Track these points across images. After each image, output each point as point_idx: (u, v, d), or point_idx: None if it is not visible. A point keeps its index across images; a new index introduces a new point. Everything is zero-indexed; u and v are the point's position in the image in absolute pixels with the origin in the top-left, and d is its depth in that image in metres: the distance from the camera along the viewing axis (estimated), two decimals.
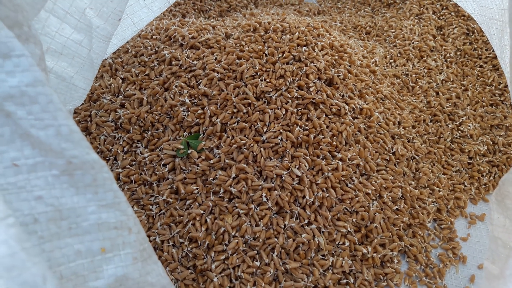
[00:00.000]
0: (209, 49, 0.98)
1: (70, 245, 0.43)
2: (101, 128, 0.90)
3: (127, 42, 1.02)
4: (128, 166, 0.87)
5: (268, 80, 0.91)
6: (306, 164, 0.85)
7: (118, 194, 0.46)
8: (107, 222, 0.46)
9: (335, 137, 0.90)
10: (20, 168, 0.40)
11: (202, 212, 0.81)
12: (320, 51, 0.98)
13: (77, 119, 0.92)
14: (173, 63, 0.95)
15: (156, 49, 0.99)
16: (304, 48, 0.96)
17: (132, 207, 0.84)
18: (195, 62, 0.94)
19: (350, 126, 0.92)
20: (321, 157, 0.87)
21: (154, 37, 1.03)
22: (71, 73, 0.68)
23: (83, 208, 0.44)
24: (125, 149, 0.89)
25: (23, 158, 0.40)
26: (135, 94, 0.93)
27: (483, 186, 1.08)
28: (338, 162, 0.87)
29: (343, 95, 0.96)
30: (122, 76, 0.96)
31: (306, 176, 0.84)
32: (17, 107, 0.39)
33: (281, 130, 0.87)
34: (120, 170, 0.86)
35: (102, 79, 0.98)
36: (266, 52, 0.95)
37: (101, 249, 0.45)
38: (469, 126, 1.13)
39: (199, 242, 0.79)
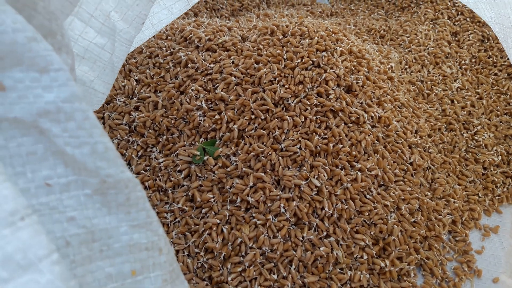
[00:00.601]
0: (226, 52, 0.95)
1: (101, 268, 0.41)
2: (115, 131, 0.88)
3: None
4: (142, 171, 0.85)
5: (287, 86, 0.89)
6: (325, 174, 0.83)
7: (150, 214, 0.44)
8: (139, 243, 0.44)
9: (354, 147, 0.88)
10: (53, 187, 0.38)
11: (218, 221, 0.79)
12: (339, 56, 0.96)
13: None
14: (189, 65, 0.93)
15: (172, 50, 0.97)
16: (323, 53, 0.94)
17: None
18: (211, 65, 0.92)
19: (369, 135, 0.90)
20: (340, 167, 0.85)
21: (169, 37, 1.00)
22: (91, 77, 0.66)
23: (115, 228, 0.42)
24: (139, 153, 0.86)
25: (56, 177, 0.38)
26: (150, 97, 0.90)
27: (497, 197, 1.06)
28: (357, 173, 0.85)
29: (361, 103, 0.94)
30: (136, 78, 0.94)
31: (325, 186, 0.82)
32: (52, 123, 0.37)
33: (299, 138, 0.85)
34: (134, 175, 0.84)
35: (116, 80, 0.95)
36: (285, 56, 0.93)
37: (132, 272, 0.43)
38: (484, 135, 1.12)
39: (215, 253, 0.77)
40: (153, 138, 0.87)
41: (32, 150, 0.37)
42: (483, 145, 1.11)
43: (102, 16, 0.60)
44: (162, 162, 0.85)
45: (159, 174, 0.84)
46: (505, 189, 1.07)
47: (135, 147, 0.87)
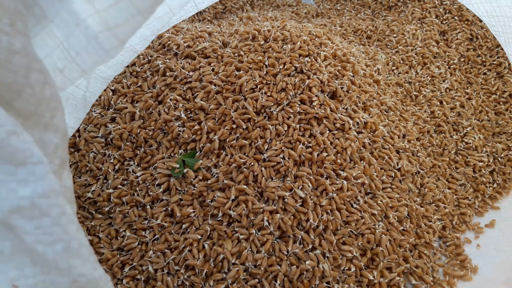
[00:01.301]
0: (206, 59, 0.92)
1: None
2: (90, 145, 0.85)
3: None
4: (119, 186, 0.81)
5: (269, 93, 0.86)
6: (310, 185, 0.80)
7: None
8: None
9: (339, 154, 0.85)
10: None
11: (199, 237, 0.76)
12: (322, 61, 0.93)
13: None
14: (168, 74, 0.89)
15: (149, 58, 0.94)
16: (307, 58, 0.91)
17: (124, 231, 0.78)
18: (190, 73, 0.89)
19: (354, 142, 0.87)
20: (325, 176, 0.83)
21: None
22: None
23: None
24: (116, 167, 0.83)
25: (23, 277, 0.36)
26: (126, 108, 0.87)
27: (488, 197, 1.04)
28: (342, 182, 0.82)
29: (347, 109, 0.91)
30: (112, 88, 0.90)
31: (310, 197, 0.79)
32: (25, 220, 0.35)
33: (283, 148, 0.82)
34: (111, 190, 0.80)
35: None
36: (267, 63, 0.90)
37: None
38: (474, 137, 1.09)
39: (197, 270, 0.74)
40: (131, 150, 0.84)
41: None
42: (473, 146, 1.08)
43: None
44: (140, 176, 0.81)
45: (137, 189, 0.81)
46: (495, 186, 1.05)
47: (111, 160, 0.83)
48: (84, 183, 0.82)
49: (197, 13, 1.32)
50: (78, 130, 0.87)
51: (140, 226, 0.78)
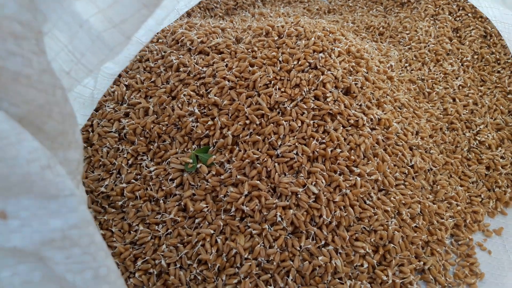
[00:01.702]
0: (219, 55, 0.92)
1: None
2: (104, 139, 0.85)
3: None
4: (133, 180, 0.82)
5: (282, 89, 0.86)
6: (323, 181, 0.80)
7: None
8: None
9: (353, 151, 0.85)
10: None
11: (212, 232, 0.76)
12: (337, 57, 0.93)
13: None
14: (181, 69, 0.90)
15: (163, 53, 0.94)
16: (321, 54, 0.91)
17: (137, 225, 0.79)
18: (204, 68, 0.89)
19: (368, 138, 0.87)
20: (338, 172, 0.82)
21: (160, 40, 0.97)
22: None
23: None
24: (130, 162, 0.84)
25: None
26: (140, 103, 0.87)
27: (504, 203, 1.03)
28: (356, 178, 0.82)
29: (360, 105, 0.91)
30: (126, 83, 0.91)
31: (323, 193, 0.79)
32: (56, 251, 0.36)
33: (296, 144, 0.82)
34: (124, 185, 0.81)
35: None
36: (280, 58, 0.90)
37: None
38: (487, 135, 1.08)
39: (209, 265, 0.75)
40: (144, 145, 0.85)
41: (27, 278, 0.35)
42: (487, 144, 1.08)
43: None
44: (153, 171, 0.82)
45: (151, 183, 0.81)
46: (510, 190, 1.04)
47: (125, 155, 0.84)
48: (97, 178, 0.83)
49: (208, 9, 1.32)
50: (91, 125, 0.87)
51: (153, 220, 0.79)
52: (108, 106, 0.88)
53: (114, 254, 0.78)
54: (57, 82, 0.38)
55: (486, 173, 1.05)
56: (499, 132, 1.11)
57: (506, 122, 1.13)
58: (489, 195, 1.03)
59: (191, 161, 0.81)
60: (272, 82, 0.87)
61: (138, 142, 0.84)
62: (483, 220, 1.00)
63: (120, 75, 0.93)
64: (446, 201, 0.96)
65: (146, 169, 0.82)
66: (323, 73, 0.89)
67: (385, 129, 0.92)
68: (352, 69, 0.94)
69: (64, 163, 0.41)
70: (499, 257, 0.94)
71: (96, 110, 0.89)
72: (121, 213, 0.81)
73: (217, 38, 0.95)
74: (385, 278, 0.78)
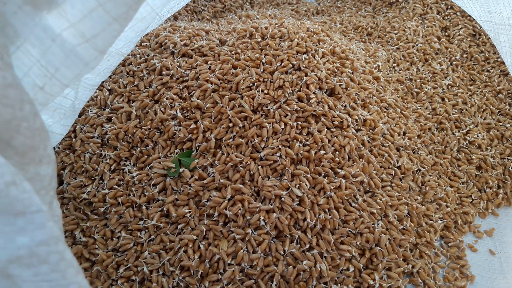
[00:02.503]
0: (203, 58, 0.91)
1: None
2: (86, 145, 0.84)
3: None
4: (115, 186, 0.81)
5: (265, 91, 0.85)
6: (307, 183, 0.79)
7: None
8: None
9: (337, 152, 0.84)
10: None
11: (195, 237, 0.75)
12: (321, 58, 0.92)
13: None
14: (164, 73, 0.89)
15: (146, 57, 0.93)
16: (304, 55, 0.90)
17: (120, 232, 0.78)
18: (187, 71, 0.88)
19: (353, 140, 0.86)
20: (322, 174, 0.81)
21: (143, 44, 0.96)
22: (50, 122, 0.63)
23: None
24: (112, 167, 0.82)
25: None
26: (123, 107, 0.86)
27: (493, 200, 1.02)
28: (341, 180, 0.81)
29: (345, 106, 0.90)
30: (109, 87, 0.90)
31: (307, 196, 0.78)
32: (23, 269, 0.35)
33: (280, 146, 0.81)
34: (106, 191, 0.80)
35: None
36: (264, 60, 0.89)
37: None
38: (477, 135, 1.07)
39: (192, 271, 0.73)
40: (127, 150, 0.84)
41: None
42: (477, 144, 1.06)
43: None
44: (135, 176, 0.81)
45: (133, 189, 0.80)
46: (501, 191, 1.03)
47: (107, 161, 0.83)
48: (79, 184, 0.81)
49: (195, 12, 1.31)
50: (74, 131, 0.86)
51: (135, 226, 0.78)
52: (91, 111, 0.87)
53: (96, 261, 0.76)
54: (25, 96, 0.37)
55: (477, 173, 1.04)
56: (489, 132, 1.10)
57: (499, 121, 1.12)
58: (480, 196, 1.02)
59: (173, 165, 0.80)
60: (255, 84, 0.86)
61: (120, 147, 0.83)
62: (474, 221, 0.99)
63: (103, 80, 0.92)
64: (435, 202, 0.95)
65: (128, 175, 0.81)
66: (306, 74, 0.88)
67: (370, 130, 0.91)
68: (336, 70, 0.93)
69: (36, 178, 0.40)
70: (490, 259, 0.93)
71: (79, 115, 0.88)
72: (103, 220, 0.80)
73: (201, 40, 0.94)
74: (372, 282, 0.77)
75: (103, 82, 0.92)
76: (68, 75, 0.45)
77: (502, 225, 1.00)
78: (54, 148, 0.86)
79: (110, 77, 0.92)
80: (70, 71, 0.45)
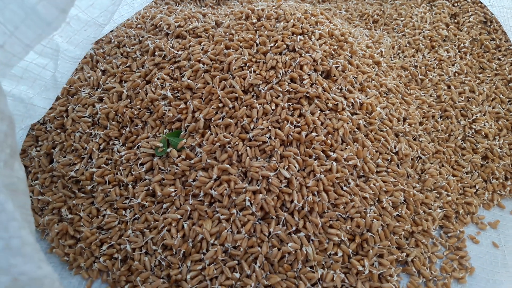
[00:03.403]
0: (196, 39, 0.90)
1: None
2: (77, 124, 0.84)
3: (111, 31, 0.95)
4: (103, 165, 0.80)
5: (257, 72, 0.83)
6: (296, 165, 0.76)
7: None
8: None
9: (330, 135, 0.81)
10: None
11: (179, 217, 0.74)
12: (317, 40, 0.90)
13: (53, 115, 0.85)
14: (157, 53, 0.88)
15: (140, 38, 0.92)
16: (300, 36, 0.88)
17: (105, 210, 0.77)
18: (180, 52, 0.87)
19: (347, 123, 0.83)
20: (313, 157, 0.79)
21: (139, 26, 0.96)
22: (30, 94, 0.63)
23: None
24: (101, 146, 0.82)
25: None
26: (114, 87, 0.86)
27: (499, 191, 0.98)
28: (332, 163, 0.78)
29: (341, 89, 0.87)
30: (102, 68, 0.90)
31: (296, 178, 0.76)
32: None
33: (269, 127, 0.79)
34: (94, 169, 0.79)
35: (82, 71, 0.91)
36: (258, 41, 0.87)
37: None
38: (484, 124, 1.03)
39: (174, 250, 0.72)
40: (116, 130, 0.83)
41: None
42: (483, 133, 1.02)
43: (45, 39, 0.56)
44: (123, 155, 0.80)
45: (121, 168, 0.80)
46: (508, 183, 0.98)
47: (97, 140, 0.82)
48: (68, 163, 0.81)
49: (199, 0, 1.30)
50: (66, 111, 0.86)
51: (121, 205, 0.77)
52: (83, 91, 0.87)
53: (80, 238, 0.76)
54: None
55: (482, 163, 1.00)
56: (498, 122, 1.05)
57: (509, 110, 1.07)
58: (485, 187, 0.98)
59: (161, 145, 0.79)
60: (248, 64, 0.84)
61: (110, 127, 0.83)
62: (477, 212, 0.95)
63: (97, 61, 0.92)
64: (435, 191, 0.91)
65: (117, 154, 0.81)
66: (300, 55, 0.85)
67: (367, 114, 0.88)
68: (334, 52, 0.90)
69: None
70: (492, 251, 0.89)
71: (72, 95, 0.88)
72: (90, 198, 0.80)
73: (196, 22, 0.93)
74: (361, 268, 0.74)
75: (97, 63, 0.92)
76: (29, 34, 0.44)
77: (508, 217, 0.95)
78: (45, 126, 0.86)
79: (104, 58, 0.92)
80: (31, 31, 0.44)
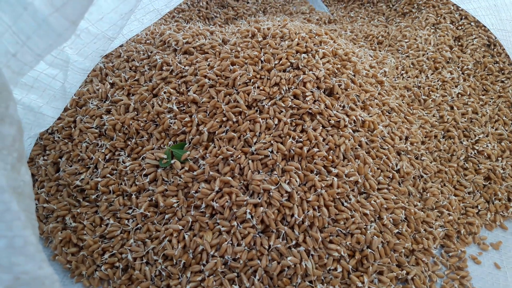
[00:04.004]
0: (203, 55, 0.92)
1: None
2: (84, 135, 0.86)
3: (120, 46, 0.98)
4: (108, 175, 0.82)
5: (261, 87, 0.85)
6: (298, 179, 0.78)
7: None
8: None
9: (331, 151, 0.83)
10: None
11: (180, 227, 0.75)
12: (321, 58, 0.92)
13: (61, 125, 0.87)
14: (164, 68, 0.90)
15: (149, 54, 0.95)
16: (304, 55, 0.90)
17: (108, 219, 0.78)
18: (186, 67, 0.89)
19: (349, 140, 0.84)
20: (314, 172, 0.80)
21: (148, 41, 0.99)
22: (40, 103, 0.66)
23: None
24: (107, 157, 0.84)
25: None
26: (122, 100, 0.88)
27: (501, 212, 0.97)
28: (333, 178, 0.79)
29: (343, 106, 0.88)
30: (111, 81, 0.92)
31: (297, 192, 0.76)
32: None
33: (272, 142, 0.81)
34: (99, 179, 0.81)
35: (91, 83, 0.93)
36: (263, 58, 0.90)
37: None
38: (486, 145, 1.03)
39: (175, 261, 0.73)
40: (122, 141, 0.85)
41: None
42: (486, 154, 1.02)
43: (55, 50, 0.59)
44: (128, 166, 0.81)
45: (125, 178, 0.81)
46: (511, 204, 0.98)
47: (103, 150, 0.84)
48: (74, 172, 0.83)
49: (208, 19, 1.34)
50: (74, 121, 0.88)
51: (124, 215, 0.78)
52: (92, 103, 0.90)
53: (83, 246, 0.77)
54: None
55: (485, 184, 1.00)
56: (501, 143, 1.06)
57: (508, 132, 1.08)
58: (488, 207, 0.98)
59: (165, 156, 0.81)
60: (252, 80, 0.86)
61: (116, 138, 0.85)
62: (479, 233, 0.94)
63: (107, 74, 0.94)
64: (436, 210, 0.91)
65: (122, 165, 0.82)
66: (304, 73, 0.87)
67: (369, 132, 0.89)
68: (337, 71, 0.92)
69: None
70: (494, 272, 0.88)
71: (81, 107, 0.90)
72: (94, 207, 0.81)
73: (203, 39, 0.96)
74: (360, 284, 0.74)
75: (107, 76, 0.94)
76: (40, 44, 0.46)
77: (511, 239, 0.95)
78: (53, 136, 0.88)
79: (113, 72, 0.95)
80: (42, 41, 0.46)
